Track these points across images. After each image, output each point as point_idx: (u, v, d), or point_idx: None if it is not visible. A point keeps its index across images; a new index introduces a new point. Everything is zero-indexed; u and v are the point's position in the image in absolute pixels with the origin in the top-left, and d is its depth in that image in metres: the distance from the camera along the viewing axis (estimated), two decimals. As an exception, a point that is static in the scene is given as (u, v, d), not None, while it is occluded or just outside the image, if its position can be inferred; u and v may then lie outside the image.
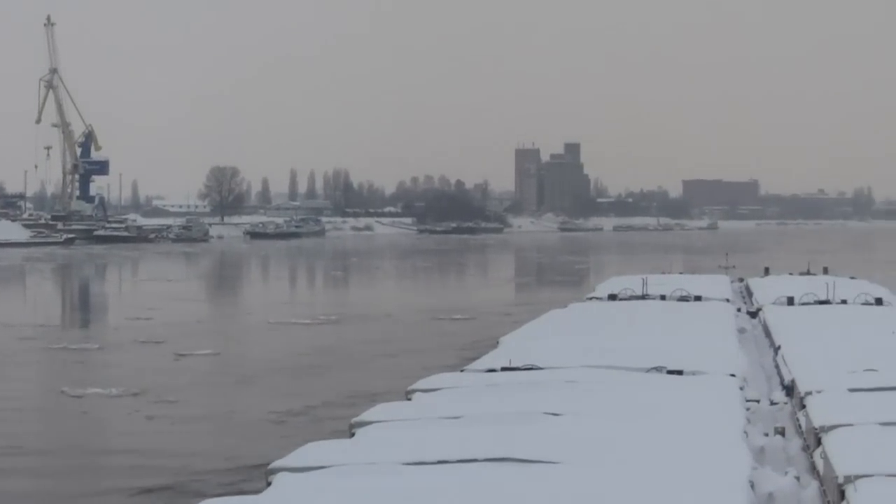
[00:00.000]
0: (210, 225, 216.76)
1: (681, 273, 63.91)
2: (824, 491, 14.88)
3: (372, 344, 41.92)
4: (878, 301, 41.13)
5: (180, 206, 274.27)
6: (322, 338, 44.52)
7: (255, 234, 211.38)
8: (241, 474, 20.65)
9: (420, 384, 22.39)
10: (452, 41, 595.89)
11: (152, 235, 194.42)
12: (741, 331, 35.05)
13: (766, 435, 18.81)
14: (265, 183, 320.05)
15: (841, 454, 14.68)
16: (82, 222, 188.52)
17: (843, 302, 40.97)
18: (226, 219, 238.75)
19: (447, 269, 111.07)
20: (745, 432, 17.33)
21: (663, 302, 42.32)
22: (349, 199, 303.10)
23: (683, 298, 42.80)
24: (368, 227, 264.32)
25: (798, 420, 19.78)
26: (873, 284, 50.29)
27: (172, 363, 37.02)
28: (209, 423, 27.15)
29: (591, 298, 45.76)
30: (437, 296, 71.86)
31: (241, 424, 26.73)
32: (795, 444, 18.55)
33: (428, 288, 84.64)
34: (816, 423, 17.08)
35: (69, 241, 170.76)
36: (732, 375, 22.86)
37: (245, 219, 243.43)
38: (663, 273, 60.89)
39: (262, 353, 40.62)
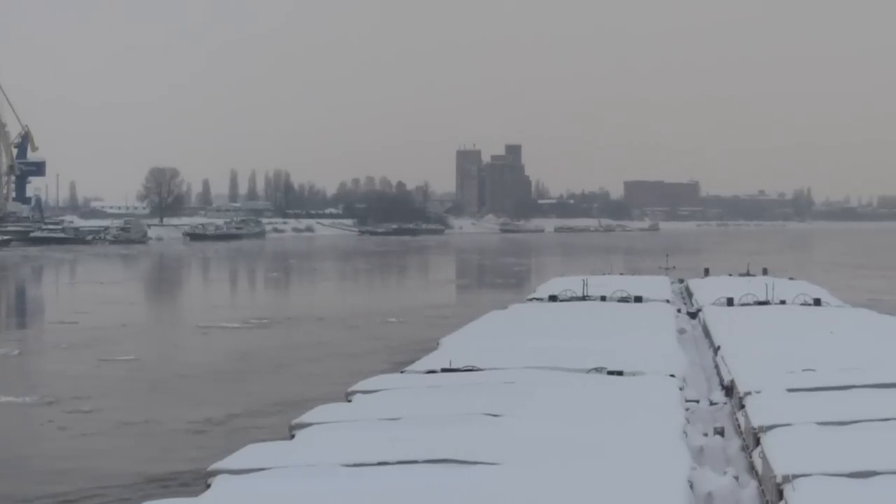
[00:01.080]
0: (149, 226, 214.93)
1: (621, 274, 64.22)
2: (763, 491, 14.91)
3: (301, 348, 41.19)
4: (817, 302, 41.47)
5: (119, 208, 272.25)
6: (250, 342, 43.51)
7: (194, 236, 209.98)
8: (148, 488, 19.82)
9: (360, 385, 22.25)
10: (393, 44, 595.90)
11: (89, 237, 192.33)
12: (681, 331, 35.18)
13: (706, 435, 18.86)
14: (205, 184, 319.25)
15: (779, 454, 14.71)
16: (18, 224, 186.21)
17: (782, 302, 41.27)
18: (165, 220, 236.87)
19: (386, 271, 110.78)
20: (685, 432, 17.34)
21: (604, 303, 42.43)
22: (290, 200, 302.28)
23: (624, 299, 42.92)
24: (309, 229, 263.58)
25: (737, 420, 19.83)
26: (812, 285, 50.72)
27: (93, 369, 35.99)
28: (124, 432, 26.05)
29: (531, 299, 45.78)
30: (375, 298, 71.56)
31: (157, 434, 25.78)
32: (734, 444, 18.60)
33: (366, 290, 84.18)
34: (755, 423, 17.12)
35: (4, 243, 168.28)
36: (672, 376, 22.90)
37: (185, 220, 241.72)
38: (604, 274, 61.12)
39: (186, 358, 39.59)
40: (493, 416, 17.78)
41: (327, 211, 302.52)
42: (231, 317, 52.49)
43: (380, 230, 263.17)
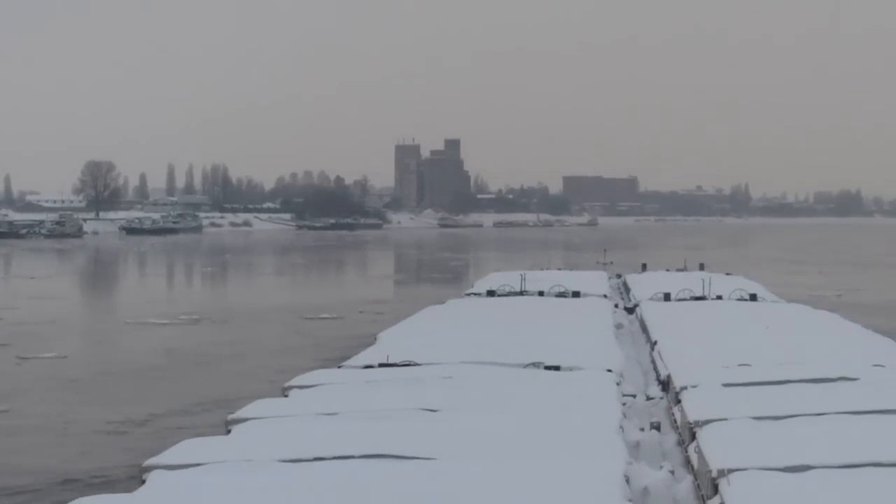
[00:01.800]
0: (84, 220, 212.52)
1: (559, 269, 64.43)
2: (698, 485, 14.97)
3: (233, 345, 40.10)
4: (753, 297, 41.83)
5: (54, 202, 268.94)
6: (180, 339, 42.22)
7: (130, 230, 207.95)
8: (74, 487, 19.08)
9: (297, 380, 22.19)
10: (331, 38, 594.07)
11: (23, 231, 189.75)
12: (618, 326, 35.32)
13: (642, 430, 18.92)
14: (142, 178, 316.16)
15: (714, 448, 14.79)
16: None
17: (719, 298, 41.59)
18: (101, 214, 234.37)
19: (323, 266, 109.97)
20: (621, 427, 17.39)
21: (542, 298, 42.56)
22: (228, 194, 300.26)
23: (562, 294, 43.07)
24: (247, 223, 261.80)
25: (673, 415, 19.92)
26: (748, 281, 51.16)
27: (13, 367, 34.69)
28: (41, 433, 24.97)
29: (469, 294, 45.83)
30: (311, 293, 70.67)
31: (76, 434, 24.74)
32: (670, 438, 18.67)
33: (302, 285, 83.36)
34: (691, 418, 17.20)
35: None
36: (609, 371, 23.00)
37: (121, 214, 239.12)
38: (542, 269, 61.32)
39: (113, 355, 38.34)
40: (430, 411, 17.78)
41: (265, 205, 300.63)
42: (163, 312, 51.29)
43: (317, 225, 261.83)
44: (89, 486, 18.98)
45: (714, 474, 13.73)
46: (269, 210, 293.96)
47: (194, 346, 39.96)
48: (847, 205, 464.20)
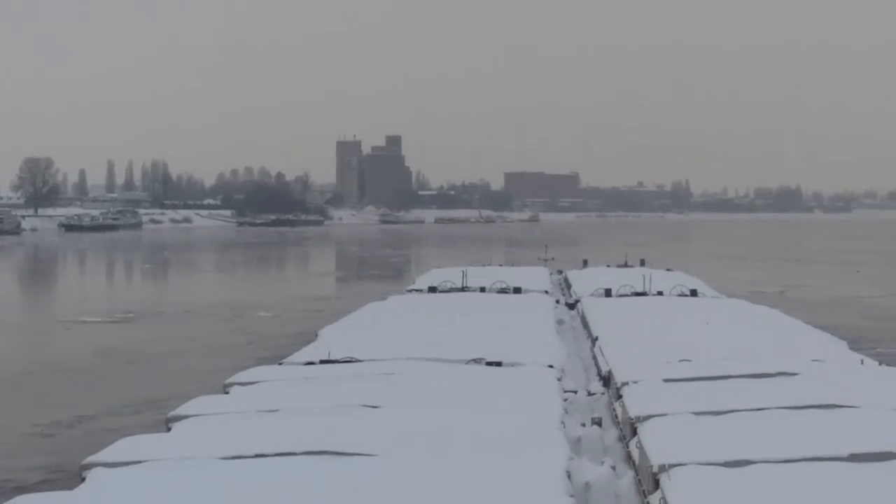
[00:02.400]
0: (23, 217, 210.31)
1: (501, 266, 64.51)
2: (639, 480, 15.00)
3: (166, 343, 39.26)
4: (693, 292, 42.04)
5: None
6: (112, 337, 41.25)
7: (69, 227, 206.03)
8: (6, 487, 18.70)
9: (237, 377, 22.04)
10: (273, 33, 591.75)
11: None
12: (560, 322, 35.40)
13: (584, 425, 18.95)
14: (82, 174, 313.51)
15: (655, 444, 14.82)
16: None
17: (660, 293, 41.78)
18: (40, 211, 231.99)
19: (263, 263, 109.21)
20: (563, 423, 17.40)
21: (483, 294, 42.57)
22: (168, 191, 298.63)
23: (503, 290, 43.10)
24: (187, 220, 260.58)
25: (614, 410, 19.96)
26: (688, 276, 51.51)
27: None
28: None
29: (411, 291, 45.75)
30: (251, 290, 69.69)
31: (4, 436, 23.96)
32: (612, 434, 18.71)
33: (241, 282, 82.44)
34: (632, 414, 17.23)
35: None
36: (550, 366, 23.02)
37: (60, 211, 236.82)
38: (484, 265, 61.36)
39: (42, 355, 37.56)
40: (372, 407, 17.71)
41: (205, 202, 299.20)
42: (98, 310, 50.30)
43: (258, 221, 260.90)
44: (21, 488, 18.46)
45: (655, 469, 13.75)
46: (209, 206, 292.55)
47: (129, 344, 39.20)
48: (787, 200, 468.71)
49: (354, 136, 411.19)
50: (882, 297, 52.09)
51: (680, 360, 22.74)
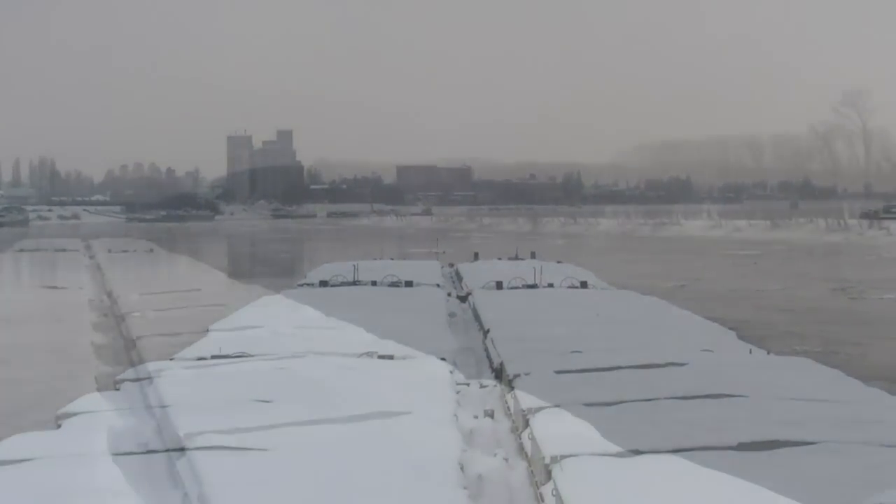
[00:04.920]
0: None
1: (392, 259, 64.50)
2: (532, 471, 15.05)
3: (42, 345, 33.57)
4: (584, 284, 42.38)
5: None
6: None
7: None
8: None
9: (129, 373, 21.79)
10: (164, 28, 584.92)
11: None
12: (451, 315, 35.42)
13: (476, 417, 18.96)
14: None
15: (547, 435, 14.91)
16: None
17: (550, 286, 42.03)
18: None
19: (151, 259, 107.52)
20: (455, 415, 17.43)
21: (374, 288, 42.52)
22: (56, 187, 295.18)
23: (394, 284, 43.08)
24: (75, 216, 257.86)
25: (507, 402, 20.01)
26: (579, 268, 51.84)
27: None
28: None
29: (302, 285, 45.51)
30: (135, 287, 68.32)
31: None
32: (504, 426, 18.74)
33: (120, 280, 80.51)
34: (524, 405, 17.31)
35: None
36: (443, 359, 23.05)
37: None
38: (375, 259, 61.33)
39: None
40: (264, 402, 17.63)
41: (94, 198, 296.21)
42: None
43: (148, 217, 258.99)
44: None
45: (547, 461, 13.83)
46: (98, 203, 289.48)
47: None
48: (677, 192, 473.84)
49: (245, 130, 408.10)
50: (781, 290, 52.67)
51: (571, 352, 22.91)
